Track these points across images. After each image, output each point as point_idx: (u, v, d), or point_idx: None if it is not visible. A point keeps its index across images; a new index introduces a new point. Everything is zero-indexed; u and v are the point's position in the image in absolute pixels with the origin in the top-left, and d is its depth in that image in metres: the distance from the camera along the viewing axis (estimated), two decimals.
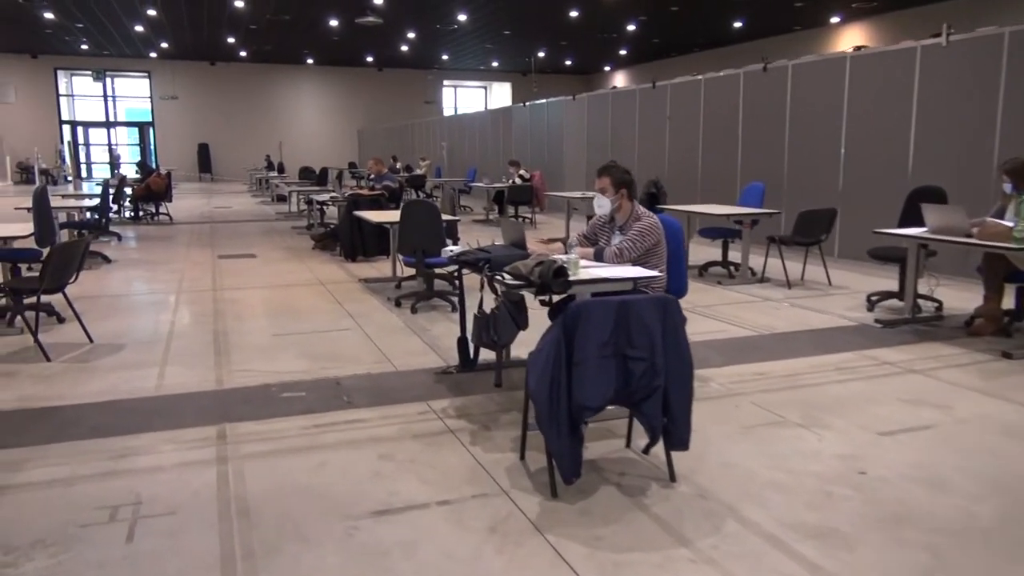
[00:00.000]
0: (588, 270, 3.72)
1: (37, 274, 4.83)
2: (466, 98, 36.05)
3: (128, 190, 14.09)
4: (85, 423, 3.71)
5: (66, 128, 30.57)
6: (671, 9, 19.88)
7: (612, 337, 2.74)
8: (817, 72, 9.40)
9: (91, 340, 5.21)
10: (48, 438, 3.51)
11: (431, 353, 5.00)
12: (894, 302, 6.30)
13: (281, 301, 6.77)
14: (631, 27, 22.80)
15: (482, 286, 3.76)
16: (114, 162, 30.54)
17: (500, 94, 35.65)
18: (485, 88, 36.62)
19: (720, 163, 10.86)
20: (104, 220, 8.99)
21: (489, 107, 31.38)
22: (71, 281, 5.09)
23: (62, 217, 8.70)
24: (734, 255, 8.03)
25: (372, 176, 10.40)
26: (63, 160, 30.01)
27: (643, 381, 2.76)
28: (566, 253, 4.28)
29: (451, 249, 4.15)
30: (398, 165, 22.67)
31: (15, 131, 29.00)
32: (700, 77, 11.35)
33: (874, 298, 6.36)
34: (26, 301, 5.12)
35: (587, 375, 2.71)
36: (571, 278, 3.50)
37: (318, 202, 10.87)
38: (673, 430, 2.85)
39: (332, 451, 3.36)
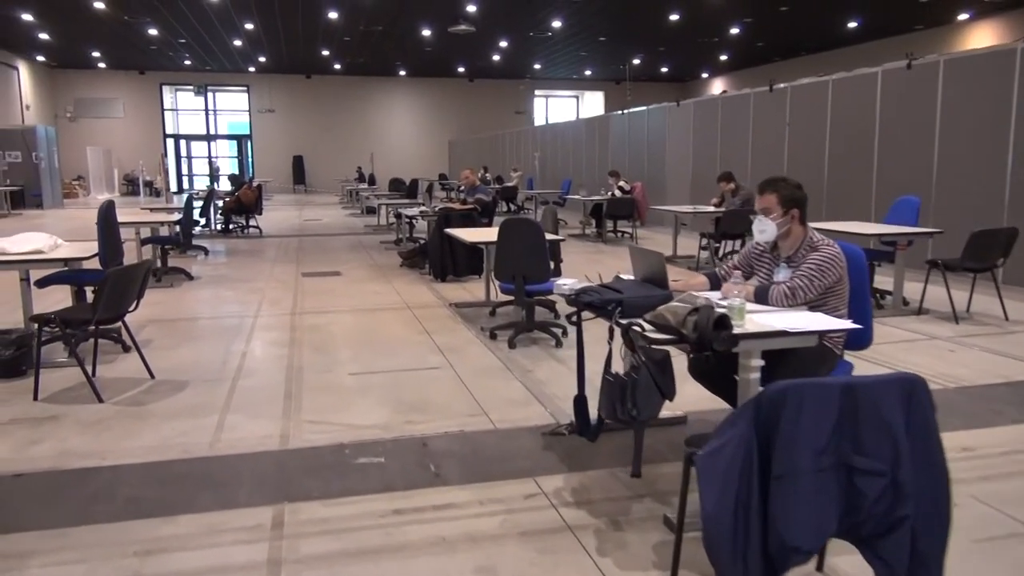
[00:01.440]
0: (756, 317, 2.79)
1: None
2: (557, 108, 35.34)
3: (220, 203, 13.95)
4: (121, 494, 3.04)
5: (170, 141, 31.54)
6: (780, 9, 18.56)
7: (833, 439, 1.82)
8: (977, 68, 8.09)
9: (152, 376, 4.63)
10: (72, 516, 2.85)
11: (535, 404, 4.15)
12: None
13: (364, 329, 6.08)
14: (734, 30, 21.52)
15: (611, 337, 2.89)
16: (214, 174, 31.30)
17: (592, 103, 34.77)
18: (577, 97, 35.83)
19: (851, 174, 9.62)
20: (186, 236, 8.60)
21: (581, 116, 30.54)
22: (131, 309, 4.51)
23: (145, 232, 8.35)
24: (879, 281, 6.88)
25: (463, 188, 9.72)
26: (166, 172, 30.96)
27: (880, 507, 1.83)
28: (712, 289, 3.37)
29: (566, 283, 3.29)
30: (488, 176, 22.11)
31: (123, 145, 30.13)
32: (827, 78, 10.14)
33: None
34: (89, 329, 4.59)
35: (796, 498, 1.80)
36: (736, 331, 2.59)
37: (407, 216, 10.25)
38: None
39: (415, 556, 2.55)
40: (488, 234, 6.38)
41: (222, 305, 7.16)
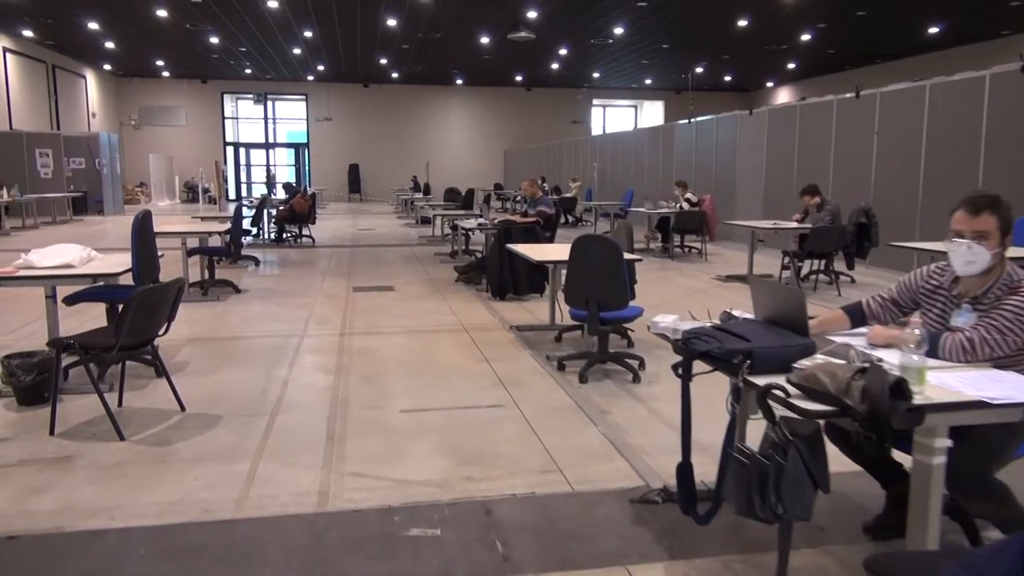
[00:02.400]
0: (936, 378, 2.11)
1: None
2: (615, 118, 34.62)
3: (274, 211, 13.68)
4: (124, 569, 2.52)
5: (229, 149, 31.87)
6: (857, 14, 17.57)
7: None
8: None
9: (182, 408, 4.14)
10: None
11: (617, 457, 3.51)
12: None
13: (417, 354, 5.53)
14: (806, 36, 20.54)
15: (736, 399, 2.25)
16: (271, 182, 31.45)
17: (651, 113, 33.95)
18: (635, 107, 35.07)
19: (951, 189, 8.71)
20: (235, 247, 8.20)
21: (642, 126, 29.73)
22: (161, 333, 4.04)
23: (193, 243, 7.97)
24: None
25: (519, 198, 9.15)
26: (225, 180, 31.23)
27: None
28: (852, 327, 2.69)
29: (665, 321, 2.66)
30: (545, 186, 21.56)
31: (185, 152, 30.51)
32: (924, 83, 9.28)
33: None
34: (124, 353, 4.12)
35: None
36: (917, 399, 1.92)
37: (464, 228, 9.71)
38: None
39: None
40: (556, 252, 5.78)
41: (268, 322, 6.70)
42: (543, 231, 8.19)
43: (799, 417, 1.98)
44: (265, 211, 13.14)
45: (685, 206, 11.85)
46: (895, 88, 9.87)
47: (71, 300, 4.78)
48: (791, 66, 26.37)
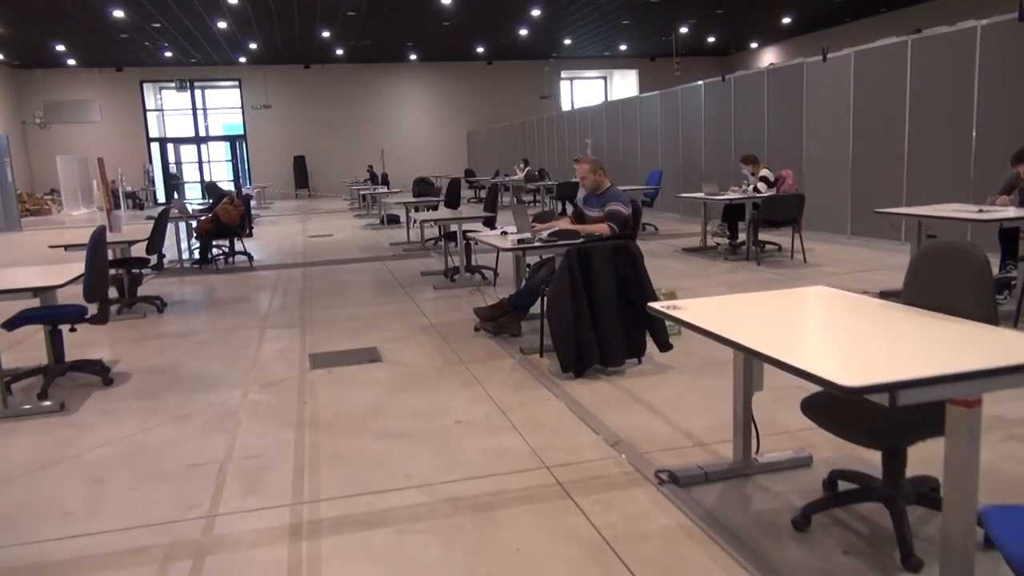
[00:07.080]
0: None
1: None
2: (584, 91, 31.39)
3: (194, 223, 10.12)
4: None
5: (155, 146, 27.74)
6: None
7: None
8: None
9: None
10: None
11: None
12: None
13: None
14: None
15: None
16: (173, 185, 27.46)
17: (622, 85, 30.83)
18: (605, 79, 31.91)
19: None
20: (101, 305, 4.68)
21: (610, 99, 26.50)
22: None
23: (25, 301, 4.42)
24: None
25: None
26: (151, 182, 27.16)
27: None
28: None
29: None
30: (531, 170, 18.16)
31: (102, 152, 26.06)
32: None
33: None
34: None
35: None
36: None
37: (483, 243, 6.22)
38: None
39: None
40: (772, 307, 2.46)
41: (139, 486, 3.22)
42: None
43: None
44: (177, 225, 9.57)
45: (762, 188, 8.65)
46: None
47: None
48: (785, 20, 23.45)
